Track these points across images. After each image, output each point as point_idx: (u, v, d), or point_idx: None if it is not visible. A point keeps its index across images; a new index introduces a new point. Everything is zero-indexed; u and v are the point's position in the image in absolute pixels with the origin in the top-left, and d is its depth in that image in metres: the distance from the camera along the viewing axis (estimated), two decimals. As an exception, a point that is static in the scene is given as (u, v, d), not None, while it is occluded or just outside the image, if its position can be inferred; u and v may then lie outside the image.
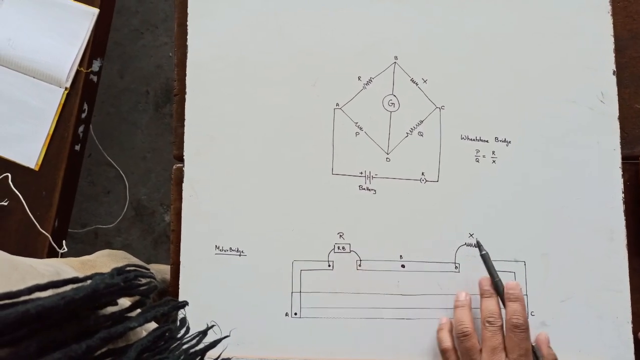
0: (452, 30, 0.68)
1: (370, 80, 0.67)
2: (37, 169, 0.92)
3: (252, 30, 0.68)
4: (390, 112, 0.67)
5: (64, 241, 0.93)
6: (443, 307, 0.65)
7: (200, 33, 0.68)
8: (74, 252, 0.85)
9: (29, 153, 0.92)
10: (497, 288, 0.62)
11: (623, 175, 0.66)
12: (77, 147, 0.97)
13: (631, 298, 0.64)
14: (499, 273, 0.63)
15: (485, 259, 0.64)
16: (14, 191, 0.90)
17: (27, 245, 0.91)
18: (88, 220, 1.62)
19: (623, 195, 0.66)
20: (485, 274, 0.63)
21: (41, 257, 0.85)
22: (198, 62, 0.67)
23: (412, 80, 0.67)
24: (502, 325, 0.59)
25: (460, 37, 0.68)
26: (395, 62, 0.67)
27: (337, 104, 0.67)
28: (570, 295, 0.65)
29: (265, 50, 0.67)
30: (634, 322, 0.64)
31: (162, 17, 1.67)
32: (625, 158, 0.67)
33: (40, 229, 0.90)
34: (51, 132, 0.92)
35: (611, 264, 0.65)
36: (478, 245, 0.65)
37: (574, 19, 0.68)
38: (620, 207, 0.66)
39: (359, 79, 0.67)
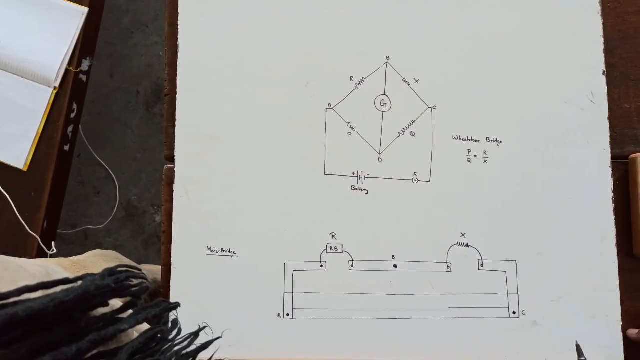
0: (444, 31, 0.68)
1: (362, 80, 0.67)
2: (25, 169, 0.91)
3: (242, 30, 0.67)
4: (382, 112, 0.67)
5: (53, 243, 0.93)
6: (435, 307, 0.65)
7: (191, 33, 0.67)
8: (63, 253, 0.84)
9: (18, 153, 0.91)
10: None
11: (613, 175, 0.67)
12: (67, 148, 0.96)
13: (621, 297, 0.65)
14: (491, 273, 0.64)
15: None
16: (2, 192, 0.89)
17: (15, 247, 0.90)
18: (78, 221, 1.61)
19: (613, 194, 0.66)
20: (480, 281, 0.63)
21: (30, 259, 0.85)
22: (189, 62, 0.67)
23: (404, 80, 0.67)
24: None
25: (452, 38, 0.68)
26: (387, 62, 0.67)
27: (329, 104, 0.67)
28: (562, 295, 0.65)
29: (257, 51, 0.67)
30: (624, 320, 0.65)
31: (153, 16, 1.66)
32: (615, 158, 0.68)
33: (29, 231, 0.89)
34: (40, 133, 0.91)
35: (601, 263, 0.65)
36: (577, 349, 0.62)
37: (564, 20, 0.68)
38: (610, 207, 0.66)
39: (351, 79, 0.67)
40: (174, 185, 0.66)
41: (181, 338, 0.40)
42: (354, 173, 0.66)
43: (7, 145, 0.91)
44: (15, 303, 0.27)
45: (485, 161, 0.67)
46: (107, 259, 0.78)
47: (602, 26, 0.68)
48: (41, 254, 0.91)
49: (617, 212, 0.66)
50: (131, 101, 1.65)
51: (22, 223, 0.89)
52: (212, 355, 0.43)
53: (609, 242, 0.66)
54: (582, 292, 0.65)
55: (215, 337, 0.42)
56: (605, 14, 0.69)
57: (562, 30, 0.68)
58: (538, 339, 0.62)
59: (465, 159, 0.67)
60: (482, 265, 0.65)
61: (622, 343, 0.64)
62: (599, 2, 0.68)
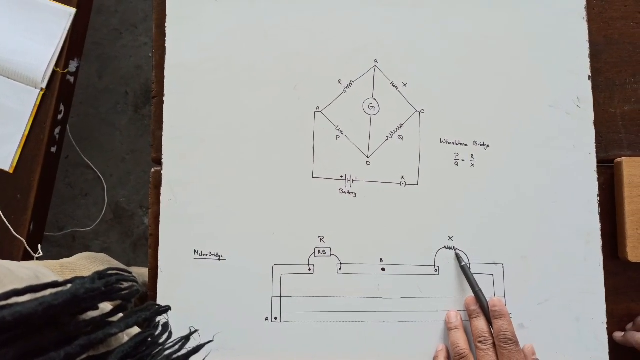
0: (432, 35, 0.68)
1: (350, 84, 0.67)
2: (11, 171, 0.90)
3: (231, 32, 0.67)
4: (371, 115, 0.67)
5: (39, 245, 0.92)
6: (423, 310, 0.65)
7: (178, 35, 0.67)
8: (51, 256, 0.83)
9: (4, 155, 0.90)
10: (479, 298, 0.63)
11: (598, 179, 0.68)
12: (54, 149, 0.95)
13: (606, 299, 0.66)
14: (478, 276, 0.64)
15: (465, 270, 0.65)
16: (-12, 194, 0.89)
17: (1, 250, 0.89)
18: (65, 223, 1.59)
19: (598, 198, 0.67)
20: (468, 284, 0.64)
21: (16, 262, 0.84)
22: (176, 64, 0.67)
23: (392, 83, 0.68)
24: (493, 343, 0.61)
25: (440, 42, 0.68)
26: (375, 66, 0.68)
27: (318, 107, 0.67)
28: (548, 298, 0.66)
29: (246, 53, 0.67)
30: (609, 322, 0.65)
31: (142, 17, 1.65)
32: (600, 162, 0.68)
33: (15, 234, 0.89)
34: (26, 134, 0.90)
35: (587, 266, 0.66)
36: (457, 257, 0.65)
37: (550, 25, 0.69)
38: (596, 210, 0.67)
39: (339, 82, 0.67)
40: (162, 188, 0.65)
41: (172, 342, 0.40)
42: (342, 176, 0.66)
43: (-8, 146, 0.90)
44: (2, 307, 0.27)
45: (473, 165, 0.67)
46: (96, 261, 0.77)
47: (587, 31, 0.69)
48: (27, 257, 0.90)
49: (602, 215, 0.67)
50: (120, 102, 1.64)
51: (7, 226, 0.88)
52: (204, 359, 0.43)
53: (594, 246, 0.67)
54: (567, 295, 0.66)
55: (204, 341, 0.42)
56: (590, 19, 0.70)
57: (548, 35, 0.69)
58: (525, 342, 0.63)
59: (452, 163, 0.67)
60: (469, 269, 0.65)
61: (607, 345, 0.65)
62: (585, 8, 0.69)
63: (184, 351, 0.39)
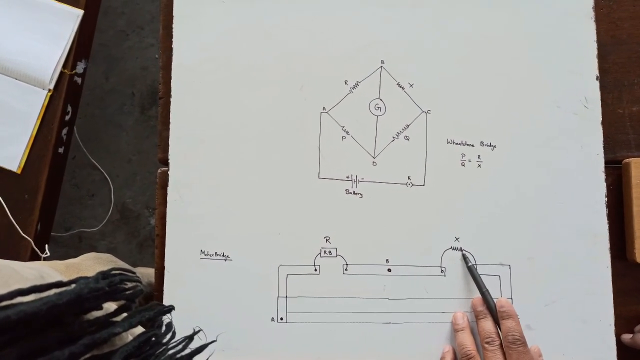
0: (438, 35, 0.68)
1: (356, 84, 0.67)
2: (19, 172, 0.90)
3: (238, 34, 0.67)
4: (377, 116, 0.67)
5: (46, 245, 0.92)
6: (429, 311, 0.65)
7: (185, 36, 0.67)
8: (57, 256, 0.84)
9: (11, 156, 0.90)
10: (486, 299, 0.63)
11: (606, 180, 0.67)
12: (61, 150, 0.95)
13: (614, 301, 0.65)
14: (484, 277, 0.64)
15: (472, 271, 0.64)
16: (-5, 195, 0.89)
17: (8, 250, 0.89)
18: (72, 224, 1.60)
19: (606, 199, 0.67)
20: (474, 285, 0.64)
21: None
22: (183, 65, 0.67)
23: (398, 84, 0.67)
24: (500, 344, 0.61)
25: (446, 42, 0.68)
26: (381, 67, 0.67)
27: (324, 108, 0.67)
28: (555, 299, 0.65)
29: (252, 54, 0.67)
30: (616, 324, 0.65)
31: (148, 19, 1.66)
32: (608, 162, 0.68)
33: (22, 234, 0.89)
34: (34, 135, 0.90)
35: (594, 268, 0.66)
36: (464, 258, 0.65)
37: (558, 25, 0.69)
38: (604, 211, 0.67)
39: (345, 82, 0.67)
40: (168, 188, 0.65)
41: (175, 342, 0.40)
42: (348, 177, 0.66)
43: (0, 147, 0.90)
44: (7, 306, 0.27)
45: (479, 165, 0.67)
46: (101, 262, 0.77)
47: (595, 32, 0.69)
48: (35, 257, 0.91)
49: (610, 216, 0.67)
50: (126, 103, 1.65)
51: (15, 226, 0.89)
52: (207, 359, 0.43)
53: (602, 247, 0.66)
54: (575, 297, 0.65)
55: (209, 341, 0.42)
56: (598, 19, 0.69)
57: (556, 35, 0.69)
58: (532, 343, 0.62)
59: (459, 163, 0.67)
60: (476, 270, 0.65)
61: (614, 347, 0.65)
62: (592, 8, 0.69)
63: (187, 351, 0.39)
